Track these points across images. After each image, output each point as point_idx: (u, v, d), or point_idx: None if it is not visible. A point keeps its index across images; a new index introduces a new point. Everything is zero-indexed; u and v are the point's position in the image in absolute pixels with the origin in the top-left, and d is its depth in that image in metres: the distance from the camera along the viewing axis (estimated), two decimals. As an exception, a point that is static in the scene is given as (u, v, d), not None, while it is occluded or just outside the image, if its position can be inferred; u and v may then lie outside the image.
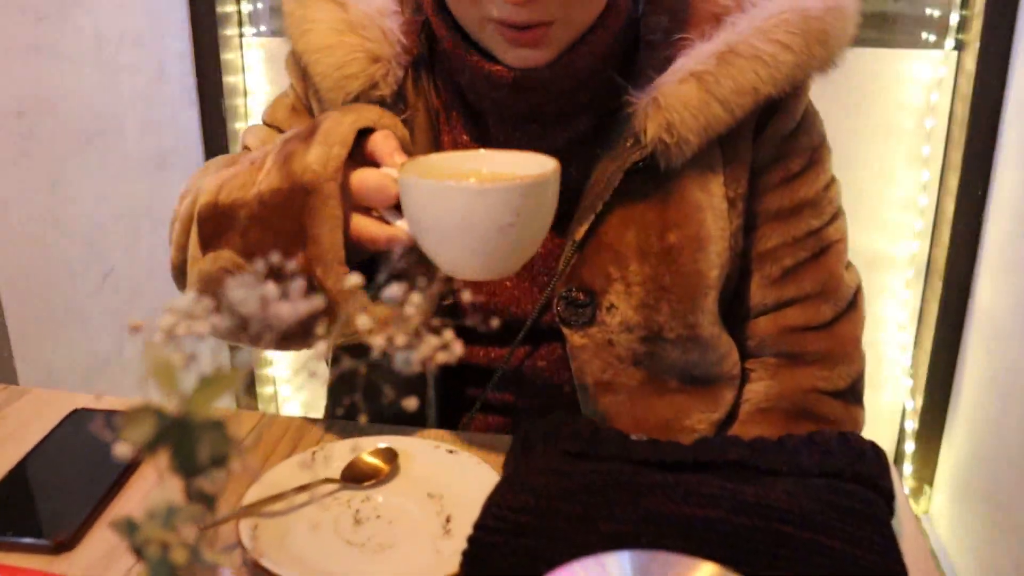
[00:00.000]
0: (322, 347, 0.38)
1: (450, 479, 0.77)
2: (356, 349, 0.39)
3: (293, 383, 2.32)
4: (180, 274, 0.91)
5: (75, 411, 0.89)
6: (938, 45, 1.91)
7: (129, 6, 1.83)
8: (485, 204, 0.69)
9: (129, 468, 0.80)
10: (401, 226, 0.76)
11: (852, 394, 0.99)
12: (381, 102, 0.90)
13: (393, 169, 0.77)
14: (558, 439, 0.75)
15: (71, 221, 1.69)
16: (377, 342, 0.37)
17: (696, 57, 0.86)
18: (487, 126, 0.93)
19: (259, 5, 2.16)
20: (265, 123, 1.03)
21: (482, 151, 0.80)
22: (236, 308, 0.37)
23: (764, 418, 0.96)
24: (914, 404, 2.10)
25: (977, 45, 1.81)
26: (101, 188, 1.77)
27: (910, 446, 2.12)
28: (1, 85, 1.50)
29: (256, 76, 2.16)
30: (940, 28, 1.90)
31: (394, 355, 0.35)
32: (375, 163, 0.79)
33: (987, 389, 1.88)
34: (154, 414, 0.31)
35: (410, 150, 0.82)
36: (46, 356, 1.64)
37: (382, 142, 0.79)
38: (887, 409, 2.16)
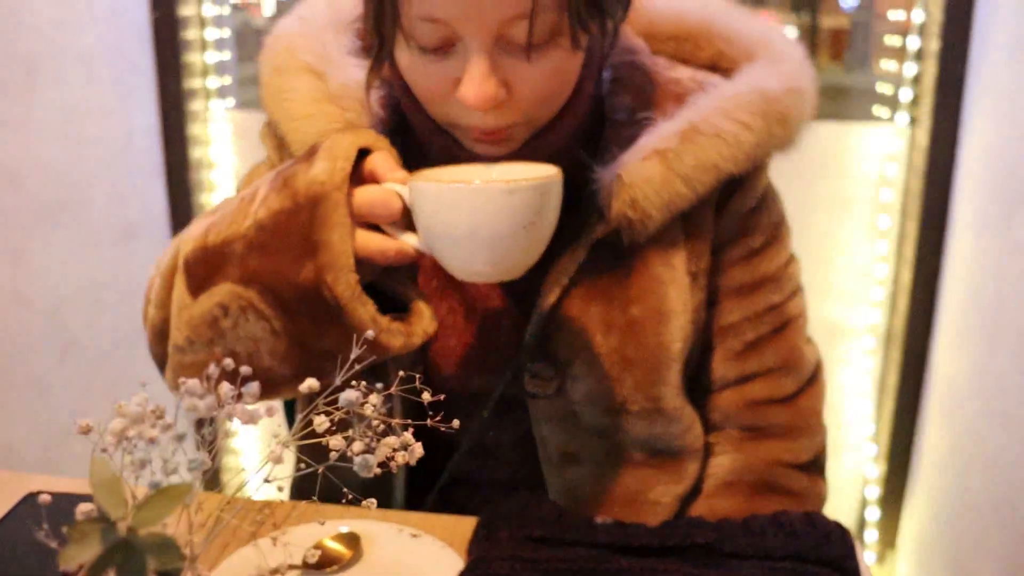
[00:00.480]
0: (284, 453, 0.38)
1: (414, 564, 0.77)
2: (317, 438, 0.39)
3: (260, 454, 2.30)
4: (160, 336, 0.90)
5: (29, 495, 0.88)
6: (891, 120, 1.96)
7: (97, 80, 1.84)
8: (512, 202, 0.72)
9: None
10: (407, 239, 0.78)
11: (815, 466, 1.00)
12: None
13: (395, 184, 0.78)
14: (523, 524, 0.75)
15: (33, 293, 1.69)
16: (336, 443, 0.37)
17: (659, 135, 0.88)
18: None
19: (226, 80, 2.18)
20: (238, 191, 1.04)
21: (479, 165, 0.82)
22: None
23: (729, 491, 0.97)
24: (877, 471, 2.12)
25: (928, 120, 1.87)
26: (65, 260, 1.77)
27: (874, 512, 2.13)
28: (-33, 160, 1.50)
29: (222, 149, 2.17)
30: (892, 103, 1.95)
31: (352, 459, 0.36)
32: (374, 181, 0.80)
33: (948, 455, 1.90)
34: (100, 531, 0.31)
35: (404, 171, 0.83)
36: (6, 429, 1.62)
37: (382, 160, 0.80)
38: (850, 476, 2.18)
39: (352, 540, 0.79)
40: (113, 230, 1.93)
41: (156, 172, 2.09)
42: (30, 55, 1.65)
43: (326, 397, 0.41)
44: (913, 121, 1.93)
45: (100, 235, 1.88)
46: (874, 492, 2.13)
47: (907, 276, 1.98)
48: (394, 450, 0.37)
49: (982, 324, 1.75)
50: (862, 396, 2.12)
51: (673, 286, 0.92)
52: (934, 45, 1.84)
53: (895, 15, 1.96)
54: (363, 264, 0.78)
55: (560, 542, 0.72)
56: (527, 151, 0.86)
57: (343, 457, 0.36)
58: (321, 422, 0.36)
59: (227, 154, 2.17)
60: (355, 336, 0.73)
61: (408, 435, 0.37)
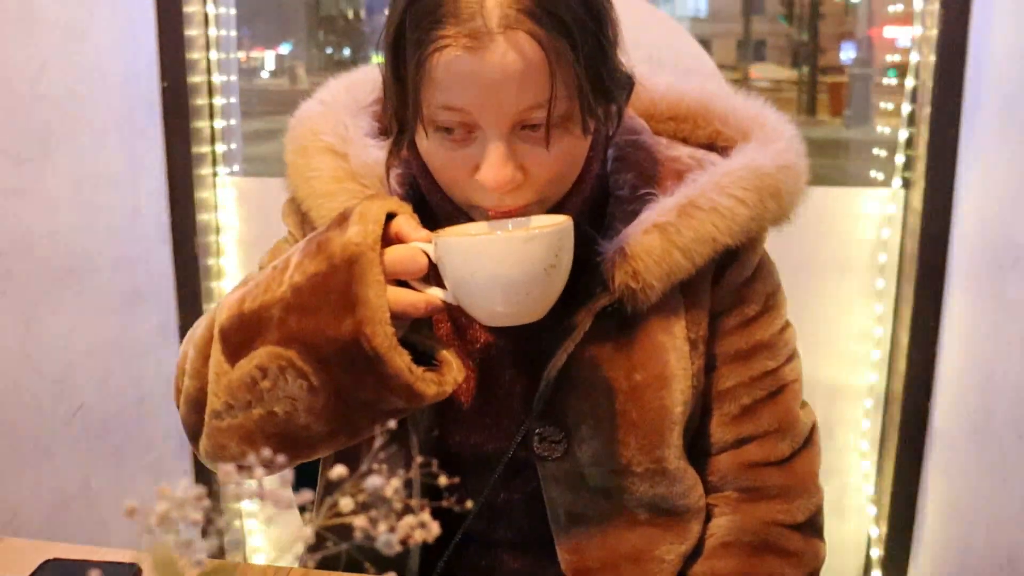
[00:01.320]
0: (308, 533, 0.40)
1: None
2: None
3: (259, 517, 2.30)
4: (195, 405, 0.93)
5: (47, 562, 0.90)
6: (886, 183, 2.00)
7: (108, 147, 1.89)
8: (530, 249, 0.79)
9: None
10: (434, 292, 0.84)
11: (812, 527, 1.03)
12: None
13: (420, 243, 0.83)
14: None
15: (43, 358, 1.71)
16: (360, 523, 0.39)
17: (659, 210, 0.93)
18: None
19: (232, 146, 2.22)
20: (261, 268, 1.08)
21: (492, 221, 0.87)
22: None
23: (727, 552, 0.99)
24: (879, 531, 2.13)
25: (922, 183, 1.90)
26: (73, 325, 1.80)
27: (877, 574, 2.13)
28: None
29: (229, 214, 2.21)
30: (888, 167, 1.99)
31: (376, 538, 0.38)
32: (400, 242, 0.85)
33: (949, 514, 1.91)
34: None
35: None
36: (12, 493, 1.63)
37: (406, 223, 0.85)
38: (853, 537, 2.18)
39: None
40: (120, 295, 1.96)
41: (163, 237, 2.12)
42: (46, 125, 1.69)
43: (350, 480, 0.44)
44: (907, 184, 1.97)
45: (107, 300, 1.91)
46: (877, 553, 2.14)
47: (905, 337, 2.00)
48: (412, 528, 0.39)
49: (979, 384, 1.77)
50: (863, 457, 2.14)
51: (674, 352, 0.96)
52: (926, 110, 1.89)
53: (888, 80, 2.01)
54: (396, 318, 0.82)
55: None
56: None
57: (364, 532, 0.39)
58: (347, 503, 0.38)
59: (232, 218, 2.21)
60: (391, 386, 0.78)
61: (426, 514, 0.39)
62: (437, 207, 0.95)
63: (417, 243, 0.84)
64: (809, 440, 1.05)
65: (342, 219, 0.86)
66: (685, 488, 1.00)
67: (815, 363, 2.04)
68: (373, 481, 0.37)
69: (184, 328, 2.17)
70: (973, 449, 1.78)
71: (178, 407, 0.99)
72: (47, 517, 1.72)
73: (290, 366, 0.83)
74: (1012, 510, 1.61)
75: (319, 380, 0.83)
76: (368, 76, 1.08)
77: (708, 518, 1.03)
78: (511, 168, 0.83)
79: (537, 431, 0.96)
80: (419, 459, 0.59)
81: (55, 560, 0.91)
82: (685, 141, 1.02)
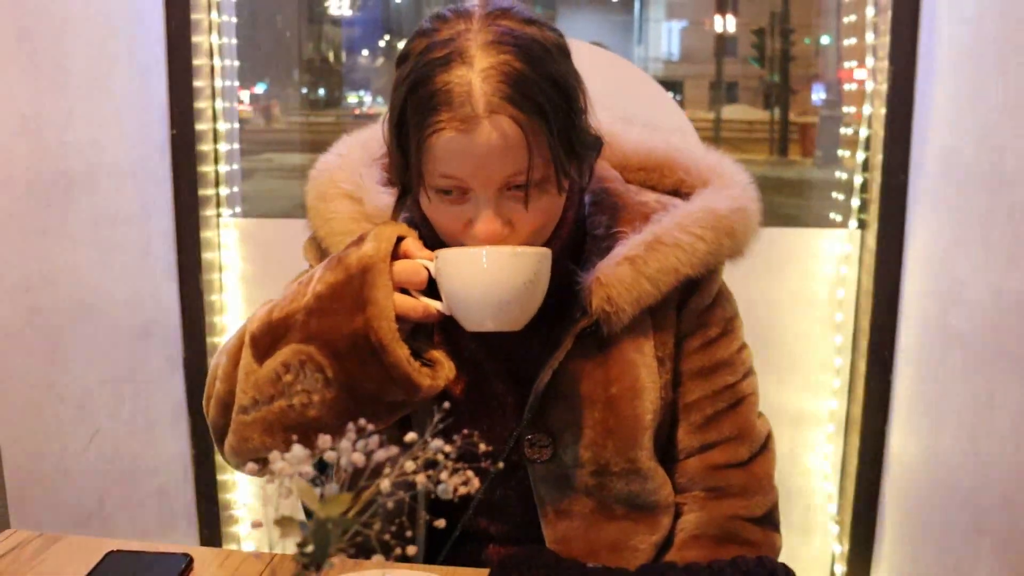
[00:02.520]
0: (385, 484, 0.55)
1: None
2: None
3: (251, 491, 2.43)
4: (223, 407, 1.09)
5: (110, 552, 1.03)
6: (844, 225, 2.17)
7: (123, 190, 2.03)
8: (516, 263, 0.96)
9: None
10: (431, 302, 0.99)
11: (769, 521, 1.18)
12: None
13: (423, 260, 1.00)
14: (528, 569, 0.91)
15: (64, 385, 1.84)
16: (421, 479, 0.54)
17: (630, 245, 1.09)
18: None
19: (234, 189, 2.37)
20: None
21: (485, 246, 1.01)
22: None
23: (696, 543, 1.14)
24: (842, 548, 2.27)
25: (876, 225, 2.08)
26: (91, 356, 1.93)
27: (840, 588, 2.27)
28: (14, 264, 1.67)
29: (230, 253, 2.35)
30: (845, 209, 2.17)
31: (435, 488, 0.53)
32: (408, 259, 1.02)
33: (906, 530, 2.06)
34: (298, 523, 0.48)
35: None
36: (36, 511, 1.75)
37: (412, 243, 1.02)
38: (818, 555, 2.33)
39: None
40: (132, 328, 2.09)
41: (170, 275, 2.25)
42: (70, 170, 1.83)
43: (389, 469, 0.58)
44: (863, 225, 2.14)
45: (121, 333, 2.04)
46: (840, 569, 2.28)
47: (863, 366, 2.16)
48: (462, 484, 0.54)
49: (929, 409, 1.93)
50: (825, 479, 2.28)
51: (644, 368, 1.11)
52: (878, 157, 2.06)
53: (845, 130, 2.18)
54: (399, 319, 0.97)
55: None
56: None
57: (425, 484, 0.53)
58: (411, 465, 0.53)
59: (234, 257, 2.35)
60: (393, 376, 0.95)
61: (470, 472, 0.54)
62: (435, 248, 1.11)
63: (421, 260, 1.01)
64: (765, 446, 1.20)
65: (359, 240, 1.02)
66: (656, 486, 1.15)
67: (781, 391, 2.21)
68: (436, 443, 0.52)
69: (189, 360, 2.30)
70: (925, 469, 1.93)
71: (206, 414, 1.13)
72: (68, 533, 1.83)
73: (309, 360, 0.99)
74: (959, 525, 1.76)
75: (333, 372, 0.98)
76: (377, 134, 1.24)
77: (678, 515, 1.18)
78: (499, 224, 1.00)
79: (527, 437, 1.11)
80: (465, 431, 0.73)
81: (117, 551, 1.04)
82: (653, 188, 1.19)
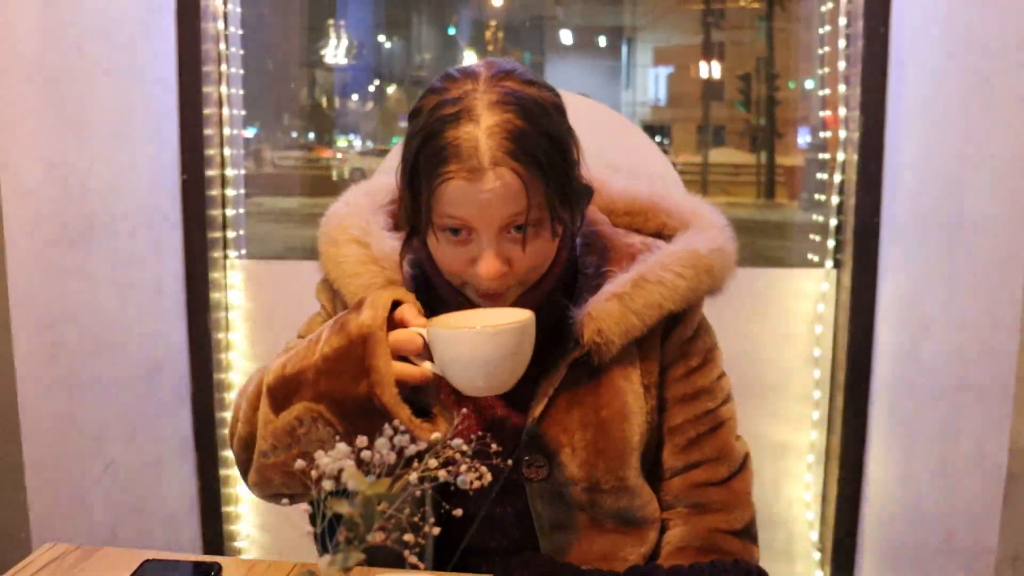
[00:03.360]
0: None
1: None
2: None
3: (254, 522, 2.51)
4: (245, 446, 1.19)
5: (146, 561, 1.13)
6: (820, 264, 2.29)
7: (138, 233, 2.14)
8: (499, 340, 1.04)
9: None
10: (427, 366, 1.08)
11: (747, 534, 1.28)
12: None
13: (418, 327, 1.09)
14: (528, 570, 1.01)
15: (83, 418, 1.94)
16: (443, 475, 0.65)
17: (618, 283, 1.21)
18: None
19: (240, 231, 2.48)
20: (300, 336, 1.34)
21: (478, 311, 1.12)
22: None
23: (681, 554, 1.24)
24: (823, 574, 2.37)
25: (851, 264, 2.20)
26: (107, 390, 2.02)
27: (822, 615, 2.37)
28: (40, 302, 1.77)
29: (236, 293, 2.45)
30: (821, 250, 2.29)
31: (455, 480, 0.63)
32: (403, 325, 1.11)
33: (885, 556, 2.16)
34: (347, 499, 0.58)
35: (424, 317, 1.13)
36: (56, 538, 1.84)
37: (408, 310, 1.12)
38: (801, 581, 2.42)
39: (402, 588, 1.05)
40: (144, 364, 2.19)
41: (180, 314, 2.36)
42: (91, 214, 1.94)
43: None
44: (838, 265, 2.27)
45: (134, 369, 2.14)
46: (822, 595, 2.37)
47: (840, 399, 2.27)
48: (477, 479, 0.64)
49: (902, 438, 2.04)
50: (807, 507, 2.38)
51: (631, 394, 1.22)
52: (851, 201, 2.19)
53: (821, 175, 2.31)
54: (399, 383, 1.07)
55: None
56: (521, 303, 1.18)
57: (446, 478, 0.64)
58: (434, 463, 0.64)
59: (240, 297, 2.45)
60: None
61: (484, 468, 0.65)
62: (439, 287, 1.22)
63: (416, 328, 1.10)
64: (743, 465, 1.31)
65: (358, 305, 1.13)
66: (643, 502, 1.25)
67: (763, 423, 2.32)
68: (457, 442, 0.63)
69: (196, 395, 2.40)
70: (903, 497, 2.04)
71: (231, 447, 1.24)
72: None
73: (320, 417, 1.09)
74: (932, 545, 1.87)
75: (343, 428, 1.08)
76: (381, 183, 1.37)
77: (664, 530, 1.28)
78: (499, 263, 1.11)
79: (525, 458, 1.22)
80: (479, 432, 0.83)
81: (152, 560, 1.14)
82: (638, 231, 1.31)
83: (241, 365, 2.46)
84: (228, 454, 2.46)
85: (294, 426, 1.11)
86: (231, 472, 2.48)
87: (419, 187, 1.11)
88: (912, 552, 1.97)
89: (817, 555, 2.38)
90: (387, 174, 1.44)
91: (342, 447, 0.64)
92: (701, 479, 1.27)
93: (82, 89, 1.90)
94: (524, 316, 1.08)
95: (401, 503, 0.64)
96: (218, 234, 2.42)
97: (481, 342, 1.04)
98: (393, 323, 1.11)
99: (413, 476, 0.65)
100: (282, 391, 1.13)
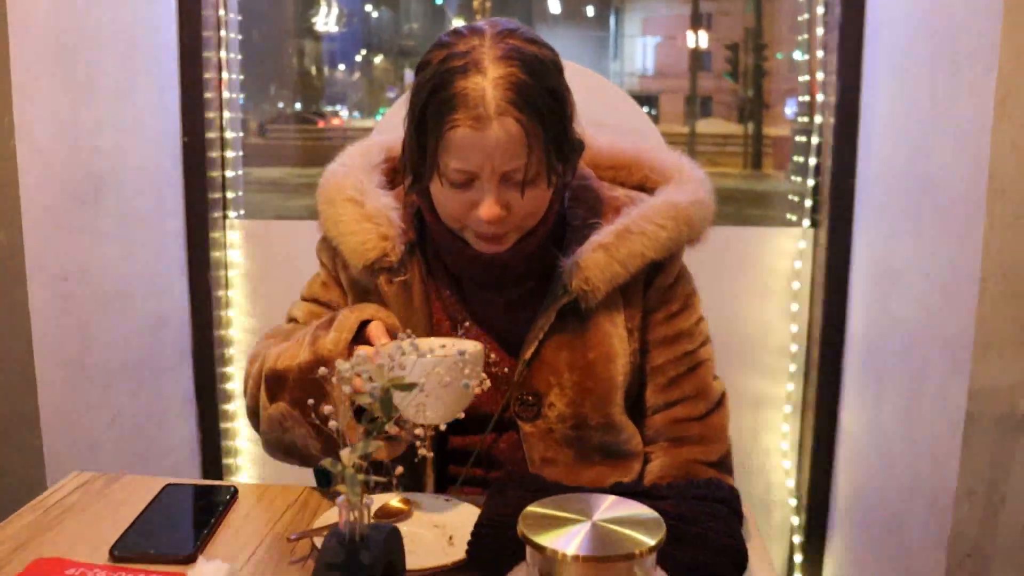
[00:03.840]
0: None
1: (449, 515, 1.13)
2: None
3: (252, 474, 2.62)
4: (253, 414, 1.31)
5: (167, 485, 1.23)
6: (798, 224, 2.39)
7: (142, 192, 2.22)
8: (439, 369, 1.03)
9: (218, 516, 1.14)
10: None
11: (723, 466, 1.38)
12: (389, 267, 1.30)
13: (380, 348, 1.15)
14: (521, 486, 1.11)
15: (94, 368, 2.03)
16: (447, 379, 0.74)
17: (603, 234, 1.30)
18: (461, 285, 1.34)
19: (239, 192, 2.56)
20: (303, 298, 1.44)
21: (440, 339, 1.18)
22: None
23: (661, 483, 1.34)
24: (799, 520, 2.48)
25: (827, 223, 2.30)
26: (116, 342, 2.11)
27: (799, 556, 2.48)
28: (53, 255, 1.86)
29: (235, 252, 2.54)
30: (799, 210, 2.39)
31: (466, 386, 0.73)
32: (370, 343, 1.19)
33: (856, 500, 2.27)
34: (370, 390, 0.68)
35: (396, 333, 1.16)
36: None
37: (375, 328, 1.21)
38: (778, 526, 2.53)
39: (406, 502, 1.15)
40: (149, 319, 2.28)
41: (181, 271, 2.44)
42: (100, 172, 2.02)
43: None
44: (815, 224, 2.37)
45: (140, 323, 2.23)
46: (798, 539, 2.49)
47: (816, 352, 2.38)
48: (478, 385, 0.74)
49: (873, 386, 2.15)
50: (784, 456, 2.50)
51: (616, 337, 1.32)
52: (828, 163, 2.29)
53: (800, 137, 2.41)
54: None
55: (545, 491, 1.08)
56: (514, 251, 1.27)
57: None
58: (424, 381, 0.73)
59: (238, 255, 2.54)
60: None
61: (484, 375, 0.75)
62: (437, 234, 1.30)
63: (377, 347, 1.14)
64: (720, 403, 1.40)
65: (330, 321, 1.23)
66: (627, 436, 1.35)
67: (743, 375, 2.42)
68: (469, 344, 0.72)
69: (197, 350, 2.49)
70: (872, 444, 2.15)
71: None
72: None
73: (297, 422, 1.21)
74: (898, 488, 1.98)
75: (315, 432, 1.20)
76: (374, 143, 1.46)
77: (647, 462, 1.38)
78: (499, 208, 1.19)
79: (518, 397, 1.31)
80: (483, 344, 0.92)
81: (173, 484, 1.23)
82: (622, 184, 1.40)
83: (240, 322, 2.55)
84: (228, 407, 2.56)
85: (280, 421, 1.24)
86: (231, 425, 2.57)
87: (426, 135, 1.19)
88: (880, 493, 2.08)
89: (793, 501, 2.50)
90: (381, 134, 1.53)
91: (361, 353, 0.73)
92: (681, 415, 1.37)
93: (90, 52, 1.98)
94: (478, 347, 1.14)
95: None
96: (218, 195, 2.50)
97: (416, 370, 1.04)
98: (363, 340, 1.20)
99: (422, 380, 0.74)
100: (272, 384, 1.25)
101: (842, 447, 2.35)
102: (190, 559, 1.04)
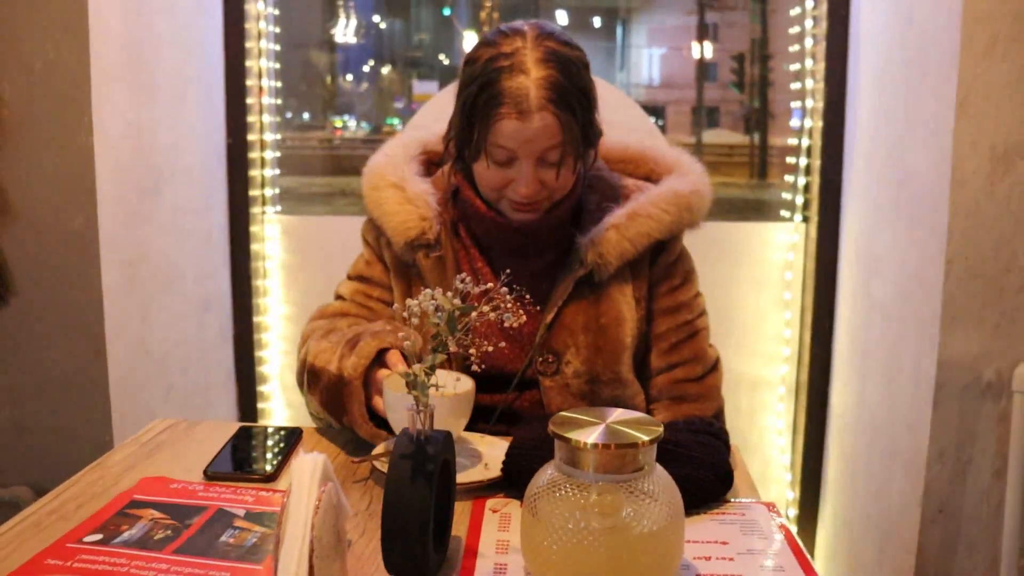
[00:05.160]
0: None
1: (482, 448, 1.34)
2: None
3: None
4: (301, 386, 1.53)
5: (241, 427, 1.45)
6: (791, 219, 2.60)
7: (193, 186, 2.44)
8: (442, 402, 1.21)
9: (290, 447, 1.36)
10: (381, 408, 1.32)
11: (717, 419, 1.59)
12: (427, 244, 1.52)
13: (396, 372, 1.31)
14: (543, 420, 1.32)
15: (152, 344, 2.24)
16: (492, 315, 0.96)
17: (615, 216, 1.52)
18: (491, 258, 1.55)
19: (276, 190, 2.78)
20: (349, 276, 1.66)
21: (447, 371, 1.34)
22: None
23: None
24: (793, 494, 2.68)
25: (817, 219, 2.51)
26: (171, 322, 2.33)
27: (794, 528, 2.68)
28: (121, 241, 2.08)
29: (273, 244, 2.75)
30: (792, 206, 2.60)
31: (503, 319, 0.94)
32: (388, 367, 1.38)
33: (845, 472, 2.48)
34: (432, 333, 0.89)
35: (414, 360, 1.31)
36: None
37: (393, 355, 1.36)
38: (774, 501, 2.73)
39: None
40: (197, 302, 2.49)
41: (224, 260, 2.66)
42: (157, 166, 2.24)
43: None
44: (806, 219, 2.58)
45: (190, 306, 2.45)
46: (793, 512, 2.69)
47: (807, 337, 2.58)
48: (515, 321, 0.95)
49: (858, 367, 2.35)
50: (779, 435, 2.70)
51: (625, 305, 1.53)
52: (817, 163, 2.50)
53: (792, 141, 2.61)
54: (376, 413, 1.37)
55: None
56: (542, 223, 1.49)
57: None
58: (474, 317, 0.95)
59: (275, 247, 2.75)
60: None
61: (521, 311, 0.96)
62: (473, 209, 1.51)
63: (394, 371, 1.30)
64: (714, 367, 1.61)
65: (355, 342, 1.38)
66: (633, 392, 1.56)
67: (740, 359, 2.63)
68: (503, 290, 0.94)
69: (237, 334, 2.70)
70: (860, 422, 2.35)
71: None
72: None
73: (328, 420, 1.44)
74: (879, 452, 2.18)
75: (342, 427, 1.42)
76: (412, 137, 1.68)
77: None
78: (536, 183, 1.42)
79: (539, 356, 1.52)
80: (517, 287, 1.14)
81: (246, 426, 1.45)
82: (630, 175, 1.62)
83: (277, 309, 2.77)
84: (264, 389, 2.78)
85: (317, 411, 1.46)
86: (266, 406, 2.79)
87: (474, 122, 1.41)
88: (866, 463, 2.28)
89: (788, 477, 2.70)
90: (417, 129, 1.75)
91: (427, 291, 0.94)
92: (680, 376, 1.58)
93: (151, 58, 2.20)
94: (466, 389, 1.28)
95: (466, 329, 0.95)
96: (257, 192, 2.72)
97: (393, 403, 1.25)
98: (383, 364, 1.38)
99: (473, 315, 0.95)
100: (311, 377, 1.46)
101: (833, 424, 2.56)
102: (271, 478, 1.25)
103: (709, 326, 1.64)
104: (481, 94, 1.40)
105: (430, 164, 1.66)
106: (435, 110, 2.09)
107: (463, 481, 1.20)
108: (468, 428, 1.54)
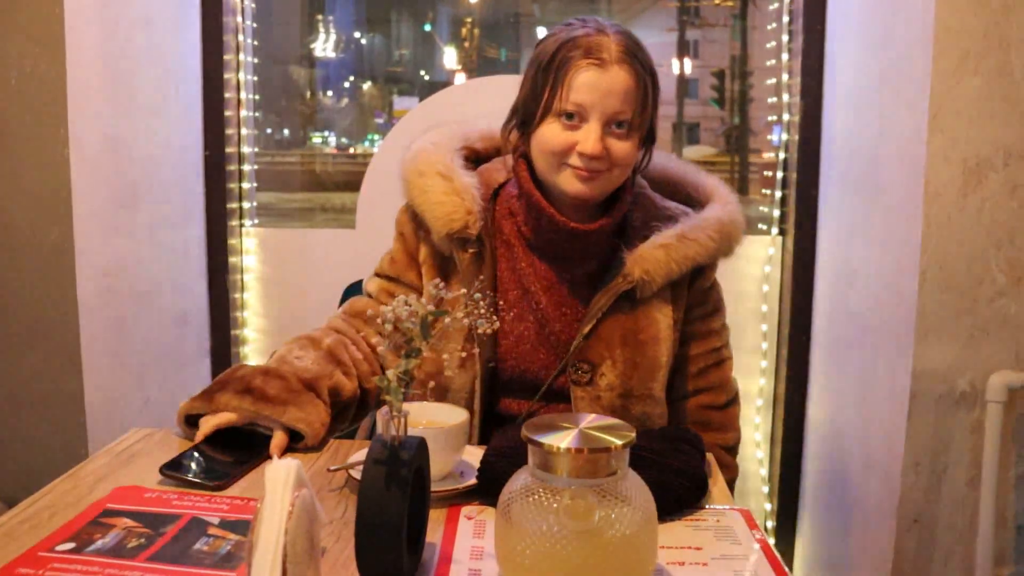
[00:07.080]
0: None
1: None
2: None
3: None
4: None
5: (217, 432, 1.44)
6: (768, 232, 2.62)
7: (170, 200, 2.43)
8: (433, 435, 1.18)
9: (252, 461, 1.35)
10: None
11: (733, 450, 1.63)
12: (468, 237, 1.51)
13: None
14: (519, 427, 1.32)
15: (127, 356, 2.23)
16: (465, 321, 0.96)
17: (664, 235, 1.52)
18: (533, 259, 1.55)
19: (253, 203, 2.77)
20: (376, 273, 1.65)
21: (438, 404, 1.34)
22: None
23: None
24: (771, 506, 2.69)
25: (793, 232, 2.53)
26: (147, 336, 2.32)
27: (772, 540, 2.67)
28: (98, 253, 2.07)
29: (250, 257, 2.75)
30: (768, 220, 2.62)
31: (476, 323, 0.95)
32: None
33: (822, 484, 2.49)
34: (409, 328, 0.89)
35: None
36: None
37: (206, 426, 1.42)
38: (752, 512, 2.73)
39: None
40: (174, 315, 2.48)
41: (201, 273, 2.65)
42: (134, 179, 2.24)
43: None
44: (783, 232, 2.59)
45: (167, 319, 2.44)
46: (771, 524, 2.69)
47: (784, 350, 2.59)
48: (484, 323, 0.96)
49: (833, 379, 2.37)
50: (757, 446, 2.71)
51: (663, 324, 1.54)
52: (794, 176, 2.52)
53: (769, 155, 2.63)
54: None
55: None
56: (594, 231, 1.49)
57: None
58: (457, 319, 0.95)
59: (252, 260, 2.74)
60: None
61: (493, 316, 0.96)
62: (524, 189, 1.50)
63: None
64: (735, 398, 1.65)
65: (232, 381, 1.47)
66: (661, 412, 1.55)
67: (717, 370, 2.60)
68: (477, 296, 0.94)
69: (215, 348, 2.69)
70: (835, 432, 2.37)
71: None
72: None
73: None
74: (855, 466, 2.19)
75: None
76: (454, 130, 1.66)
77: None
78: (602, 144, 1.41)
79: (573, 365, 1.51)
80: (488, 292, 1.14)
81: (220, 431, 1.44)
82: (670, 198, 1.61)
83: (254, 322, 2.76)
84: (243, 402, 2.76)
85: None
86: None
87: (547, 79, 1.42)
88: (842, 475, 2.29)
89: (766, 489, 2.70)
90: (455, 125, 1.71)
91: (402, 298, 0.95)
92: (706, 402, 1.61)
93: (129, 70, 2.20)
94: (459, 421, 1.26)
95: (439, 336, 0.96)
96: (235, 205, 2.71)
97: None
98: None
99: (447, 319, 0.96)
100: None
101: (809, 436, 2.57)
102: (223, 487, 1.25)
103: (732, 355, 1.66)
104: (560, 50, 1.42)
105: (468, 160, 1.64)
106: (412, 127, 2.09)
107: (438, 489, 1.20)
108: (482, 438, 1.53)
